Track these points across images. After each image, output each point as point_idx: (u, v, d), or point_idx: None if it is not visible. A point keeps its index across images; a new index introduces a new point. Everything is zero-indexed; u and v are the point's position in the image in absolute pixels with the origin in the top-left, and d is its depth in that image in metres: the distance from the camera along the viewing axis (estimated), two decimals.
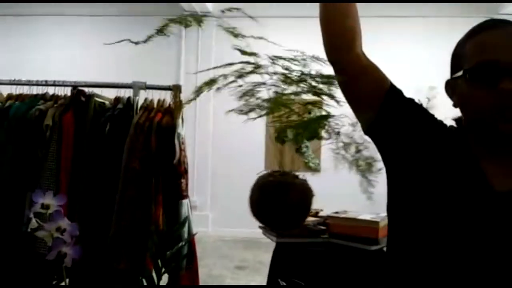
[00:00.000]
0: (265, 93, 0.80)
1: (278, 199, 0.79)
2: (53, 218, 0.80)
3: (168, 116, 2.15)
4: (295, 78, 0.79)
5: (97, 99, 2.27)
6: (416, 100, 0.96)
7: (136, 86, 2.30)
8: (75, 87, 2.27)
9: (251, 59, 0.80)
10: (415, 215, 0.88)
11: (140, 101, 2.29)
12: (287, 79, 0.79)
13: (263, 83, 0.81)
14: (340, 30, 0.90)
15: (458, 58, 0.88)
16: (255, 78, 0.83)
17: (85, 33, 6.21)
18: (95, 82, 2.41)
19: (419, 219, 0.87)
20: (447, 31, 5.44)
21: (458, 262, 0.80)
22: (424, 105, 0.97)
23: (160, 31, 0.89)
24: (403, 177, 0.91)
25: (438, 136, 0.90)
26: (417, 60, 5.63)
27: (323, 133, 0.86)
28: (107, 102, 2.31)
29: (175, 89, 2.24)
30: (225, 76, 0.82)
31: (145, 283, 1.14)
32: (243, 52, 0.80)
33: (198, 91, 0.87)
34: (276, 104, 0.80)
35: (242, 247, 5.17)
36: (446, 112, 0.95)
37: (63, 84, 2.35)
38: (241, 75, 0.81)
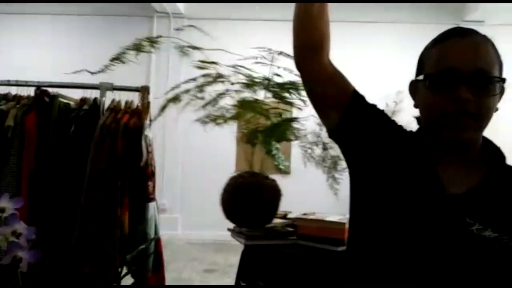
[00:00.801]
0: (228, 100, 0.81)
1: (249, 199, 0.80)
2: (8, 222, 0.77)
3: (136, 118, 2.12)
4: (259, 84, 0.80)
5: (61, 99, 2.22)
6: (383, 105, 0.99)
7: (103, 87, 2.26)
8: (38, 87, 2.21)
9: (212, 68, 0.81)
10: (373, 216, 0.90)
11: (107, 103, 2.26)
12: (250, 86, 0.80)
13: (227, 90, 0.82)
14: (311, 36, 0.92)
15: (422, 62, 0.91)
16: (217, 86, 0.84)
17: (51, 32, 6.06)
18: (60, 82, 2.35)
19: (377, 220, 0.89)
20: (418, 37, 5.60)
21: (409, 261, 0.83)
22: (392, 108, 1.00)
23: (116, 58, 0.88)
24: (364, 178, 0.94)
25: (398, 140, 0.93)
26: (389, 65, 5.77)
27: (291, 135, 0.87)
28: (72, 103, 2.26)
29: (143, 91, 2.22)
30: (187, 91, 0.82)
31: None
32: (203, 63, 0.81)
33: (163, 109, 0.88)
34: (245, 109, 0.81)
35: (212, 250, 5.15)
36: (412, 114, 0.98)
37: (26, 84, 2.29)
38: (203, 86, 0.82)
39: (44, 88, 2.21)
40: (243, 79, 0.80)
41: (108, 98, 2.27)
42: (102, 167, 1.98)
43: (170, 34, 5.81)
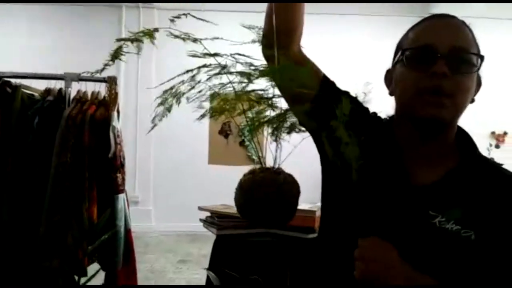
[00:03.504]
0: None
1: (255, 195, 0.76)
2: None
3: (103, 109, 2.08)
4: (256, 74, 0.77)
5: (25, 90, 2.15)
6: (353, 93, 0.97)
7: (68, 77, 2.20)
8: (0, 77, 2.14)
9: (210, 58, 0.78)
10: (342, 205, 0.90)
11: (73, 93, 2.20)
12: (250, 76, 0.76)
13: (230, 83, 0.78)
14: (286, 20, 0.89)
15: (400, 47, 0.90)
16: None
17: (15, 20, 5.82)
18: (23, 72, 2.28)
19: (345, 209, 0.89)
20: (386, 29, 5.70)
21: None
22: (361, 99, 0.98)
23: (115, 56, 0.83)
24: (335, 167, 0.92)
25: (369, 129, 0.91)
26: (358, 56, 5.83)
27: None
28: (36, 94, 2.20)
29: (110, 81, 2.17)
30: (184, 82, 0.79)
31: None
32: (204, 54, 0.77)
33: (164, 103, 0.83)
34: (239, 101, 0.77)
35: (186, 241, 5.13)
36: (379, 105, 0.98)
37: None
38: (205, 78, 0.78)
39: (6, 79, 2.14)
40: (243, 69, 0.76)
41: (74, 89, 2.21)
42: (68, 159, 1.93)
43: (140, 24, 5.73)
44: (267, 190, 0.74)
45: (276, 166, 0.79)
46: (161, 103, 0.84)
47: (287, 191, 0.76)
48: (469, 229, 0.79)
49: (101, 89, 2.21)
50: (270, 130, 0.82)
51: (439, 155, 0.86)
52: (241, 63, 0.79)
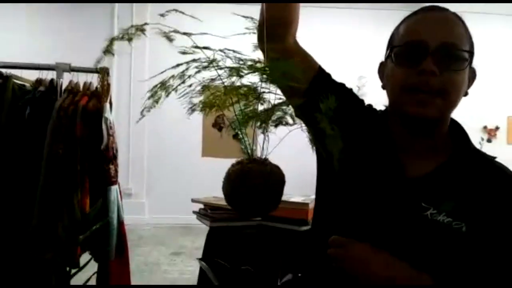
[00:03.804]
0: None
1: (242, 185, 0.77)
2: None
3: (95, 100, 2.06)
4: (246, 70, 0.77)
5: (16, 81, 2.13)
6: (348, 86, 0.97)
7: (60, 68, 2.17)
8: None
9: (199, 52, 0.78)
10: (336, 197, 0.90)
11: (65, 84, 2.18)
12: (239, 71, 0.77)
13: (218, 76, 0.79)
14: (282, 12, 0.89)
15: (391, 41, 0.89)
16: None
17: (6, 13, 5.73)
18: (14, 62, 2.25)
19: (340, 201, 0.89)
20: (383, 20, 5.69)
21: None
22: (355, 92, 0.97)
23: (107, 51, 0.83)
24: (330, 160, 0.92)
25: (364, 121, 0.92)
26: (353, 50, 5.82)
27: (289, 119, 0.85)
28: (27, 85, 2.17)
29: (103, 72, 2.15)
30: (174, 76, 0.79)
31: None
32: (195, 47, 0.77)
33: (154, 96, 0.82)
34: (229, 95, 0.78)
35: (179, 233, 5.14)
36: (373, 99, 0.97)
37: None
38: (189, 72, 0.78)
39: None
40: (232, 63, 0.77)
41: (66, 80, 2.19)
42: (60, 151, 1.92)
43: (133, 17, 5.67)
44: (254, 180, 0.75)
45: (263, 157, 0.80)
46: (151, 96, 0.83)
47: (274, 180, 0.77)
48: (460, 221, 0.80)
49: (93, 80, 2.19)
50: (258, 124, 0.82)
51: (432, 148, 0.86)
52: (231, 58, 0.79)
